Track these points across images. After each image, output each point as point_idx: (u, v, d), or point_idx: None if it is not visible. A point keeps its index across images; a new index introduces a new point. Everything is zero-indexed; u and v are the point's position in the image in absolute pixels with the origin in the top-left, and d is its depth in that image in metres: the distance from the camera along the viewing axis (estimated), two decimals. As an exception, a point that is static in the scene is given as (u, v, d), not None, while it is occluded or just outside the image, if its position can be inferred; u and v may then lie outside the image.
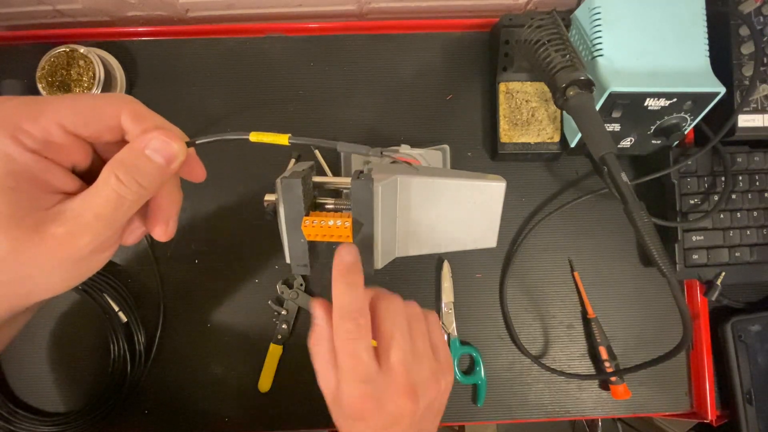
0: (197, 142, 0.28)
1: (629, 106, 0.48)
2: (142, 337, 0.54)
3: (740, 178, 0.55)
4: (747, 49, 0.52)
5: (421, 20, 0.61)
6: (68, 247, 0.23)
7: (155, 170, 0.25)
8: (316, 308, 0.33)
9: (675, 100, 0.48)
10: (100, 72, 0.53)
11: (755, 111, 0.53)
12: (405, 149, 0.53)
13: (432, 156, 0.55)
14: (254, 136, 0.29)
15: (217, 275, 0.57)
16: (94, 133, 0.25)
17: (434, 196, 0.40)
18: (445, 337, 0.56)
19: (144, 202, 0.26)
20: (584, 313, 0.58)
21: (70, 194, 0.24)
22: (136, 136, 0.25)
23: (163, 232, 0.29)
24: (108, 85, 0.54)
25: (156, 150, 0.25)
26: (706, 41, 0.49)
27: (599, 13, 0.48)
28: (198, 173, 0.32)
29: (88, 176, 0.26)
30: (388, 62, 0.59)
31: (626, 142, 0.53)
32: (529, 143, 0.55)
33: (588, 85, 0.43)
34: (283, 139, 0.29)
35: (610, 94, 0.46)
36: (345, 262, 0.33)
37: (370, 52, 0.60)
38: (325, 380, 0.33)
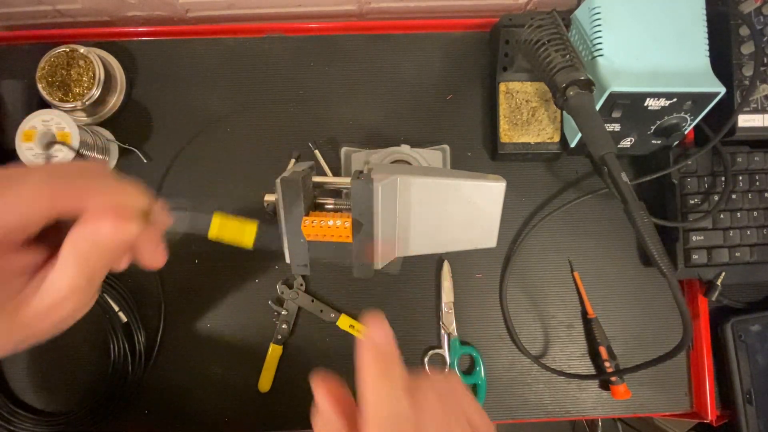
0: (150, 224, 0.27)
1: (629, 106, 0.48)
2: (142, 337, 0.55)
3: (740, 178, 0.55)
4: (747, 49, 0.52)
5: (421, 20, 0.61)
6: (50, 320, 0.24)
7: (112, 250, 0.25)
8: (319, 392, 0.26)
9: (675, 100, 0.48)
10: (100, 72, 0.53)
11: (755, 111, 0.53)
12: (405, 149, 0.53)
13: (432, 156, 0.55)
14: (217, 217, 0.29)
15: (217, 275, 0.57)
16: (14, 232, 0.24)
17: (434, 196, 0.40)
18: (445, 338, 0.56)
19: (113, 264, 0.26)
20: (584, 313, 0.58)
21: (39, 263, 0.25)
22: (86, 215, 0.24)
23: (151, 265, 0.29)
24: (108, 85, 0.55)
25: (107, 235, 0.25)
26: (706, 41, 0.49)
27: (599, 13, 0.48)
28: (156, 259, 0.30)
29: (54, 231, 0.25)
30: (388, 62, 0.59)
31: (626, 142, 0.53)
32: (529, 143, 0.55)
33: (588, 85, 0.43)
34: (249, 234, 0.29)
35: (610, 94, 0.46)
36: (377, 343, 0.26)
37: (370, 52, 0.60)
38: None
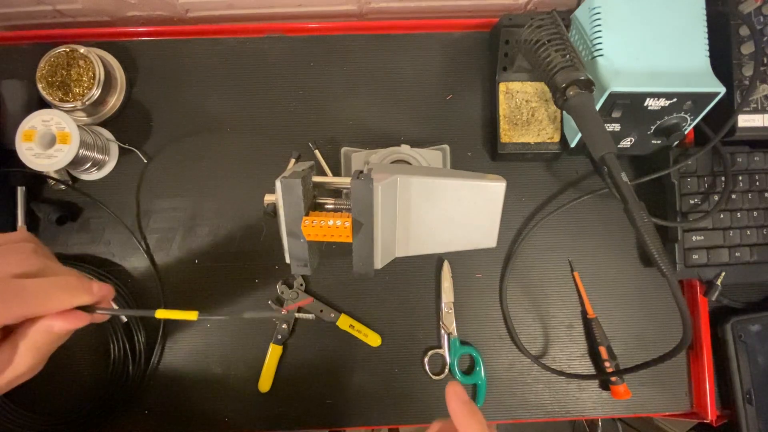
0: (97, 311, 0.32)
1: (629, 106, 0.48)
2: (142, 337, 0.54)
3: (740, 178, 0.55)
4: (747, 49, 0.52)
5: (421, 20, 0.61)
6: (7, 388, 0.30)
7: (62, 338, 0.31)
8: None
9: (675, 100, 0.48)
10: (100, 72, 0.53)
11: (755, 111, 0.53)
12: (405, 149, 0.53)
13: (432, 156, 0.55)
14: (160, 313, 0.33)
15: (217, 275, 0.57)
16: None
17: (434, 196, 0.40)
18: (445, 338, 0.56)
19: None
20: (584, 313, 0.58)
21: None
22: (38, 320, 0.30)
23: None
24: (108, 85, 0.55)
25: (58, 329, 0.30)
26: (706, 41, 0.49)
27: (599, 13, 0.48)
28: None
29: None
30: (388, 62, 0.59)
31: (626, 142, 0.53)
32: (529, 143, 0.55)
33: (588, 85, 0.43)
34: (191, 315, 0.33)
35: (610, 94, 0.46)
36: (466, 399, 0.33)
37: (370, 52, 0.60)
38: None
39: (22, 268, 0.29)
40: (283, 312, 0.34)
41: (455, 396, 0.33)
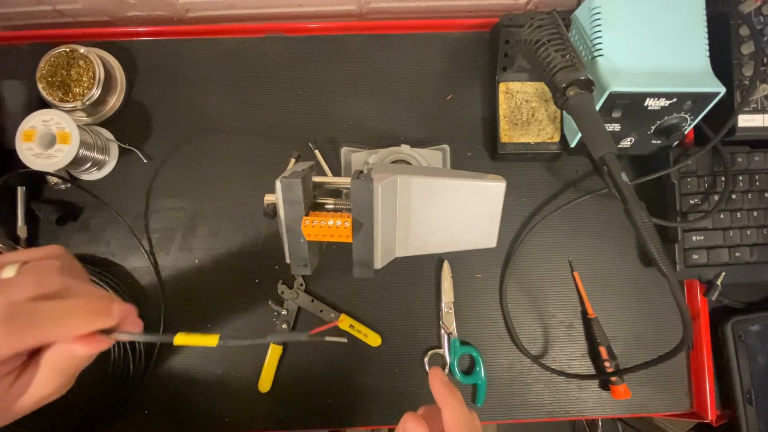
0: (117, 335, 0.30)
1: (629, 106, 0.48)
2: (142, 337, 0.54)
3: (740, 178, 0.55)
4: (747, 49, 0.52)
5: (421, 20, 0.61)
6: (34, 409, 0.30)
7: (85, 361, 0.30)
8: (410, 422, 0.36)
9: (675, 100, 0.48)
10: (100, 72, 0.53)
11: (755, 111, 0.53)
12: (405, 149, 0.53)
13: (432, 156, 0.55)
14: (179, 339, 0.31)
15: (217, 275, 0.57)
16: None
17: (434, 196, 0.40)
18: (445, 338, 0.56)
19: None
20: (584, 313, 0.58)
21: (21, 361, 0.29)
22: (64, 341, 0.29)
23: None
24: (108, 85, 0.55)
25: (80, 353, 0.29)
26: (706, 41, 0.49)
27: (599, 13, 0.48)
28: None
29: None
30: (388, 62, 0.59)
31: (626, 142, 0.53)
32: (529, 143, 0.55)
33: (588, 85, 0.43)
34: (212, 341, 0.31)
35: (610, 94, 0.46)
36: (446, 381, 0.38)
37: (370, 52, 0.60)
38: None
39: (40, 290, 0.28)
40: (312, 334, 0.33)
41: (436, 378, 0.37)
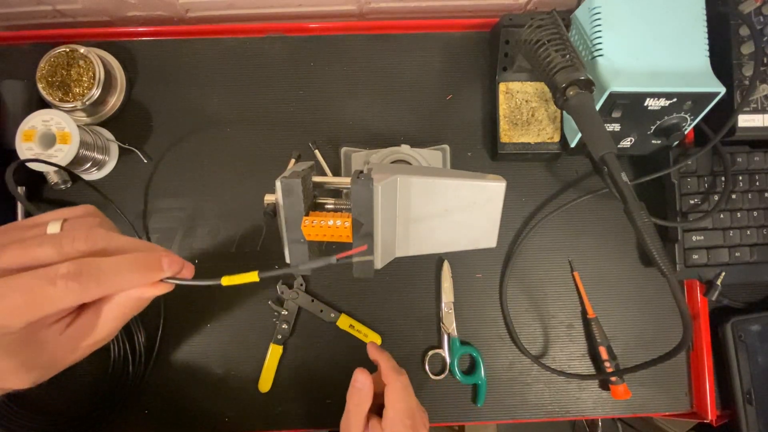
0: (171, 281, 0.32)
1: (629, 106, 0.48)
2: (142, 337, 0.54)
3: (740, 178, 0.55)
4: (747, 49, 0.52)
5: (421, 20, 0.61)
6: (85, 354, 0.31)
7: (145, 305, 0.32)
8: (359, 374, 0.43)
9: (675, 100, 0.48)
10: (100, 72, 0.53)
11: (755, 111, 0.53)
12: (405, 149, 0.53)
13: (432, 156, 0.55)
14: (225, 280, 0.33)
15: (218, 275, 0.57)
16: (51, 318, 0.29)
17: (434, 196, 0.40)
18: (445, 338, 0.56)
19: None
20: (584, 313, 0.58)
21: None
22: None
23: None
24: (108, 85, 0.55)
25: (147, 296, 0.31)
26: (706, 41, 0.49)
27: (599, 13, 0.48)
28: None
29: None
30: (388, 62, 0.59)
31: (626, 142, 0.53)
32: (529, 143, 0.55)
33: (588, 85, 0.43)
34: (253, 277, 0.34)
35: (610, 94, 0.46)
36: (378, 347, 0.47)
37: (370, 52, 0.60)
38: (355, 431, 0.43)
39: (93, 246, 0.28)
40: (338, 258, 0.35)
41: (371, 345, 0.47)
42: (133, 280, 0.29)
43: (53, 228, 0.29)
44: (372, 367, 0.45)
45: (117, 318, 0.30)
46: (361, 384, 0.43)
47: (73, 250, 0.28)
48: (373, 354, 0.47)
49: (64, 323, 0.29)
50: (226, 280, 0.33)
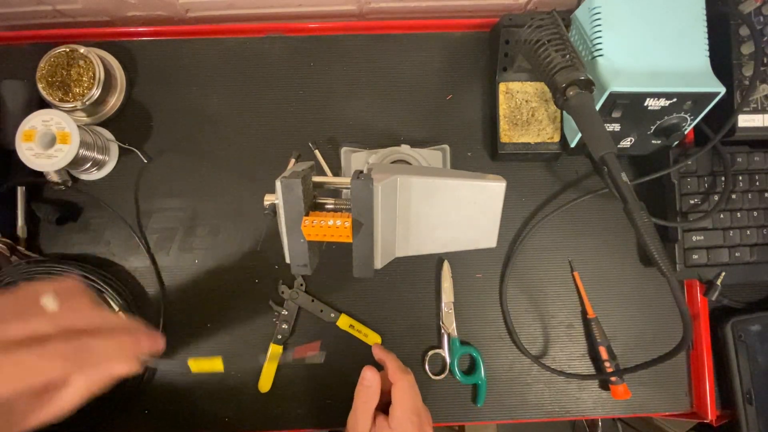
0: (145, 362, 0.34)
1: (629, 106, 0.48)
2: (142, 337, 0.54)
3: (740, 178, 0.55)
4: (747, 49, 0.52)
5: (421, 20, 0.61)
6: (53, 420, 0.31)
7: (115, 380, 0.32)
8: (368, 371, 0.45)
9: (675, 100, 0.48)
10: (100, 72, 0.53)
11: (755, 111, 0.53)
12: (405, 149, 0.53)
13: (432, 156, 0.55)
14: (194, 365, 0.36)
15: (217, 275, 0.57)
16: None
17: (434, 196, 0.40)
18: (445, 338, 0.56)
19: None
20: (584, 313, 0.58)
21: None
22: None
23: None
24: (108, 85, 0.55)
25: (119, 373, 0.32)
26: (706, 41, 0.49)
27: (599, 13, 0.48)
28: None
29: None
30: (388, 62, 0.59)
31: (626, 142, 0.53)
32: (529, 143, 0.55)
33: (588, 85, 0.43)
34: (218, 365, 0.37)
35: (610, 94, 0.46)
36: (383, 349, 0.49)
37: (370, 52, 0.60)
38: (362, 428, 0.44)
39: (90, 324, 0.31)
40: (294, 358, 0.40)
41: (376, 346, 0.49)
42: (119, 361, 0.31)
43: (50, 303, 0.31)
44: (375, 368, 0.45)
45: (90, 390, 0.31)
46: (369, 381, 0.44)
47: (74, 326, 0.30)
48: (379, 354, 0.48)
49: (35, 391, 0.30)
50: (194, 366, 0.36)
